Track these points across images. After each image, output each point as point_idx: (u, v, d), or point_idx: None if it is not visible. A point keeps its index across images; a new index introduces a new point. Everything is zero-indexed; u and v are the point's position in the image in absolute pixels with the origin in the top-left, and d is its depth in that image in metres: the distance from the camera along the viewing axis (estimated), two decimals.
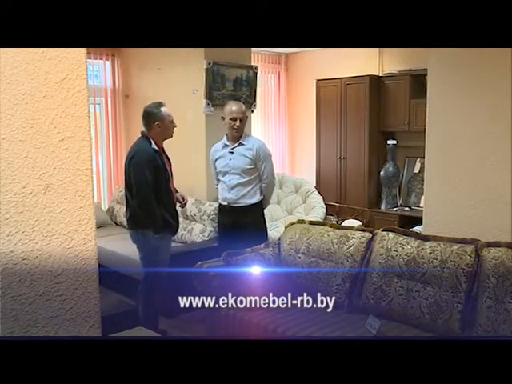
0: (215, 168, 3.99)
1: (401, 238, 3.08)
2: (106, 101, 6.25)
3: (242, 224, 3.81)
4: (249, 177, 3.80)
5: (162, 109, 3.49)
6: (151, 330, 2.35)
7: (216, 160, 3.96)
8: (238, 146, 3.83)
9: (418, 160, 5.82)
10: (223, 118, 3.90)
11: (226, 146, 3.90)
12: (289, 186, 6.06)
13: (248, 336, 3.07)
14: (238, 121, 3.80)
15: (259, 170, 3.83)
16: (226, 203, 3.91)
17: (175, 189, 3.72)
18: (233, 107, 3.86)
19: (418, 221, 4.40)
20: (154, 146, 3.46)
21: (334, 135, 6.34)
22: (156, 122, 3.47)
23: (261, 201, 3.88)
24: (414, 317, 2.85)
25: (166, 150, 3.66)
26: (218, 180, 3.99)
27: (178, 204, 3.70)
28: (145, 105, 3.63)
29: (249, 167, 3.80)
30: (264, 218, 3.98)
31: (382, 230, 3.26)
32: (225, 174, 3.87)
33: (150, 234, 3.44)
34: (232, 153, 3.83)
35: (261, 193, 3.88)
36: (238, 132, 3.84)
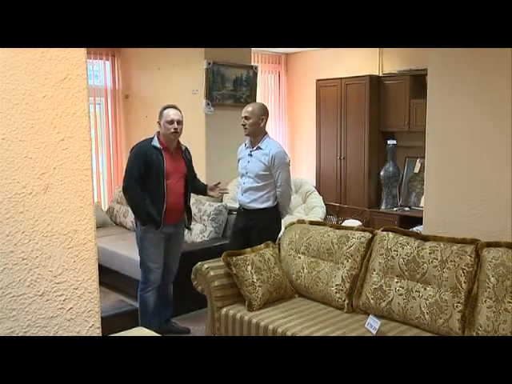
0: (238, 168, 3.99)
1: (401, 238, 3.08)
2: (106, 101, 6.26)
3: (250, 227, 3.79)
4: (262, 182, 3.73)
5: (165, 110, 3.61)
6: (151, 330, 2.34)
7: (239, 160, 3.94)
8: (256, 149, 3.76)
9: (418, 160, 5.83)
10: (247, 118, 3.77)
11: (247, 147, 3.87)
12: None
13: (248, 336, 3.07)
14: (243, 119, 3.76)
15: (274, 176, 3.73)
16: (239, 205, 3.92)
17: (200, 185, 3.90)
18: (247, 108, 3.80)
19: (418, 221, 4.40)
20: (155, 142, 3.58)
21: (334, 135, 6.34)
22: (158, 120, 3.63)
23: (273, 207, 3.79)
24: (414, 317, 2.85)
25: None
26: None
27: (214, 192, 3.87)
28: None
29: (263, 173, 3.72)
30: (276, 225, 3.87)
31: (382, 230, 3.26)
32: (242, 175, 3.86)
33: (138, 225, 3.66)
34: (251, 155, 3.80)
35: (275, 199, 3.78)
36: (246, 131, 3.79)
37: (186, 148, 3.79)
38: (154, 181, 3.53)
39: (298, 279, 3.43)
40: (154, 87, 5.84)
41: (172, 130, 3.53)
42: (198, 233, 4.74)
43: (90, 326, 1.41)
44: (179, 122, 3.57)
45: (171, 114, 3.57)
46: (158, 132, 3.63)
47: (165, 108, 3.63)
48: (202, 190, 3.91)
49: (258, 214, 3.76)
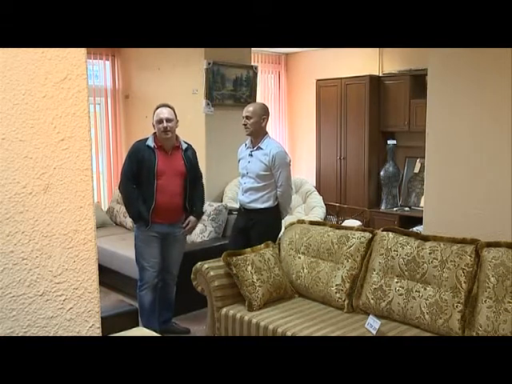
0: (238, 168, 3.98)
1: (401, 238, 3.08)
2: (106, 101, 6.26)
3: (250, 227, 3.79)
4: (263, 182, 3.73)
5: (157, 110, 3.61)
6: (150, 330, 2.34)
7: (239, 160, 3.94)
8: (256, 149, 3.76)
9: (418, 160, 5.83)
10: (248, 117, 3.77)
11: (248, 147, 3.86)
12: None
13: (248, 336, 3.07)
14: (245, 119, 3.76)
15: (274, 176, 3.73)
16: (239, 205, 3.92)
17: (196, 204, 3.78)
18: (248, 108, 3.81)
19: (418, 221, 4.40)
20: (149, 142, 3.59)
21: (334, 135, 6.34)
22: (152, 122, 3.64)
23: (274, 207, 3.79)
24: (414, 317, 2.85)
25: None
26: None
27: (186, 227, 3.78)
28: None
29: (263, 173, 3.72)
30: (276, 225, 3.87)
31: (382, 230, 3.26)
32: (243, 175, 3.85)
33: (132, 223, 3.77)
34: (251, 155, 3.79)
35: (275, 199, 3.78)
36: (247, 131, 3.79)
37: (189, 147, 3.74)
38: (145, 179, 3.55)
39: (298, 279, 3.43)
40: (153, 87, 5.84)
41: (162, 129, 3.53)
42: (198, 233, 4.74)
43: (90, 326, 1.41)
44: (168, 120, 3.53)
45: (160, 113, 3.57)
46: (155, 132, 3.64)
47: (156, 108, 3.62)
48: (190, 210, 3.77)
49: (259, 213, 3.76)
